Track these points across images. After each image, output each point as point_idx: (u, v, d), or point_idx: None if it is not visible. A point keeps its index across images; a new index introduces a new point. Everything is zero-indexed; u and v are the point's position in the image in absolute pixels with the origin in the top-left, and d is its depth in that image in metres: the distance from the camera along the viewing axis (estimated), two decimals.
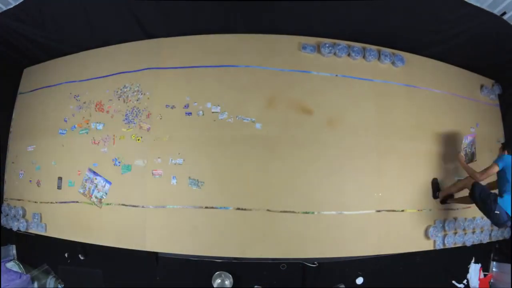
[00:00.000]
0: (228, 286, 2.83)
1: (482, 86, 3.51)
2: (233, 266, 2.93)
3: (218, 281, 2.85)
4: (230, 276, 2.85)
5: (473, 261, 3.32)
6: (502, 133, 3.50)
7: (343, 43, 3.10)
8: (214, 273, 2.88)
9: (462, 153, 2.93)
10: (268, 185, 2.82)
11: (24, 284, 3.07)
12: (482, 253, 3.38)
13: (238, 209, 2.79)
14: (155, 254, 2.94)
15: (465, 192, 2.79)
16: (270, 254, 2.83)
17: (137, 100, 3.05)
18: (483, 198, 2.53)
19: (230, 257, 2.87)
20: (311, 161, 2.87)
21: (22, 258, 3.38)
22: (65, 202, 3.11)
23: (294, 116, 2.93)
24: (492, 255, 3.43)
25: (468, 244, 3.15)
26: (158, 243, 2.85)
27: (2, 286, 2.97)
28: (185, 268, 3.01)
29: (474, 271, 3.31)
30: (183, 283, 3.00)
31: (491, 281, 3.41)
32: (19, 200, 3.32)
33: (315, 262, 2.89)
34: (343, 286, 2.91)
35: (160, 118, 2.97)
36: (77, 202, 3.06)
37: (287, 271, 2.93)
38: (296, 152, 2.87)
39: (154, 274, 3.02)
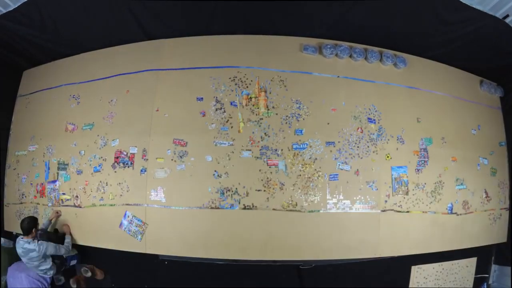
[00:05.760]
0: None
1: (481, 82, 3.50)
2: (233, 267, 2.96)
3: None
4: None
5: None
6: (504, 135, 3.50)
7: (345, 44, 3.08)
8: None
9: None
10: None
11: None
12: (483, 255, 3.39)
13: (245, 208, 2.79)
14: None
15: None
16: (274, 256, 2.83)
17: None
18: None
19: (231, 259, 2.87)
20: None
21: None
22: (67, 206, 3.11)
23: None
24: (493, 257, 3.45)
25: None
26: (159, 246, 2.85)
27: None
28: (185, 270, 3.04)
29: None
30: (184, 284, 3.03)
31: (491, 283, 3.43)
32: (20, 203, 3.31)
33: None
34: None
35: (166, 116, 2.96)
36: (80, 207, 3.05)
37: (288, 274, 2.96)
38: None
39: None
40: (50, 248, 2.76)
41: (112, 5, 2.88)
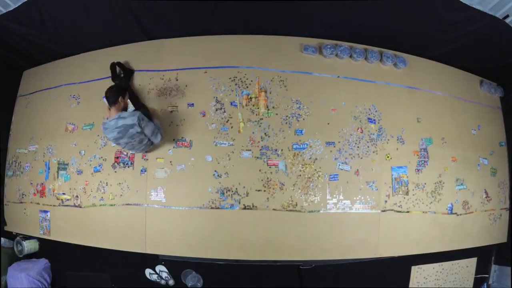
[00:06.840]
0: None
1: (481, 82, 3.50)
2: (233, 268, 2.96)
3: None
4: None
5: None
6: (504, 135, 3.50)
7: (345, 44, 3.08)
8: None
9: None
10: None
11: None
12: (483, 255, 3.39)
13: (245, 208, 2.79)
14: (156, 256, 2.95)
15: None
16: (274, 256, 2.83)
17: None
18: None
19: (231, 259, 2.87)
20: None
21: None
22: (67, 206, 3.10)
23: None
24: (493, 257, 3.45)
25: None
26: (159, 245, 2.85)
27: None
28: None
29: None
30: (184, 284, 3.02)
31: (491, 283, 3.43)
32: (21, 203, 3.31)
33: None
34: None
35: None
36: (80, 207, 3.05)
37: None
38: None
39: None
40: (149, 127, 2.22)
41: (112, 5, 2.88)
